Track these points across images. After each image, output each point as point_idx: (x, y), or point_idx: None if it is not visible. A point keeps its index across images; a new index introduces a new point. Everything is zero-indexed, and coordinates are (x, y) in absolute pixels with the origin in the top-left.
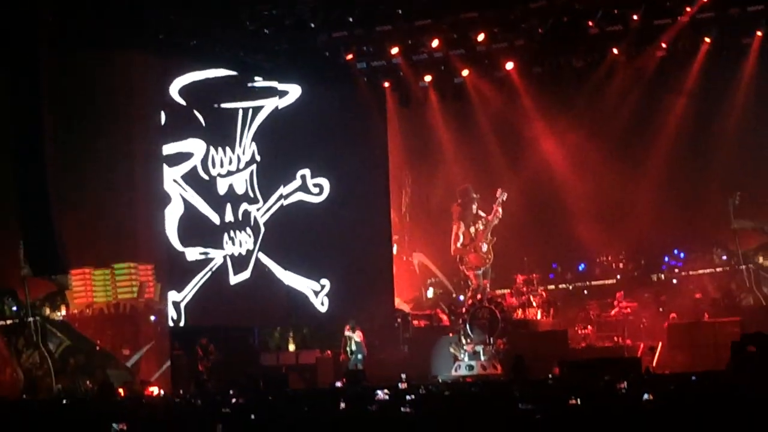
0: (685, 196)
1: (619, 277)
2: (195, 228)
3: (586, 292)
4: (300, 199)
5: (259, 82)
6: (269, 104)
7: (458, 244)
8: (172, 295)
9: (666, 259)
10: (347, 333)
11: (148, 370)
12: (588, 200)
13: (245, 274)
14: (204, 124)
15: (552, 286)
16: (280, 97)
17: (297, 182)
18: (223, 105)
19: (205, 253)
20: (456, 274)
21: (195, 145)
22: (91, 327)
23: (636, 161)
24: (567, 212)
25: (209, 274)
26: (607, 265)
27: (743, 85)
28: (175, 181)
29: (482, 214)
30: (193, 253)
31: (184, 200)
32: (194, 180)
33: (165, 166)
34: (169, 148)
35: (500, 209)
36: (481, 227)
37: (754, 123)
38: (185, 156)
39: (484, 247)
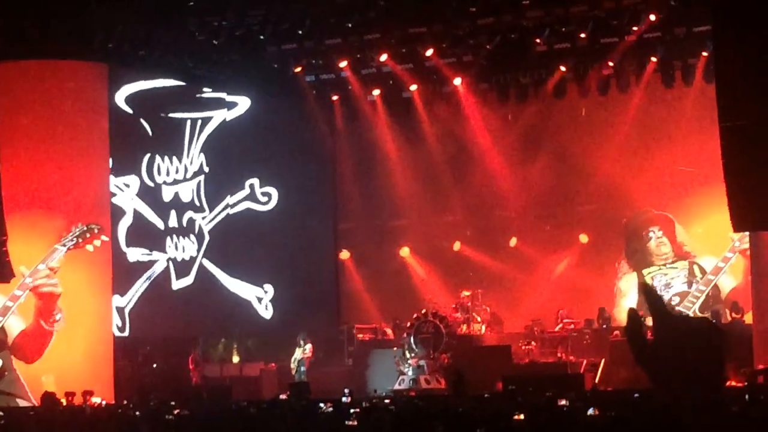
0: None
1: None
2: (138, 231)
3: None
4: (247, 207)
5: (208, 93)
6: (218, 116)
7: None
8: (116, 300)
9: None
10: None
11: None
12: (531, 214)
13: (188, 280)
14: (151, 134)
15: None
16: (229, 109)
17: (245, 191)
18: (171, 114)
19: (148, 254)
20: None
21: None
22: None
23: (581, 175)
24: (510, 226)
25: (152, 278)
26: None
27: (687, 104)
28: (117, 186)
29: None
30: (135, 254)
31: (130, 207)
32: (139, 187)
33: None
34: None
35: None
36: None
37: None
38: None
39: None
